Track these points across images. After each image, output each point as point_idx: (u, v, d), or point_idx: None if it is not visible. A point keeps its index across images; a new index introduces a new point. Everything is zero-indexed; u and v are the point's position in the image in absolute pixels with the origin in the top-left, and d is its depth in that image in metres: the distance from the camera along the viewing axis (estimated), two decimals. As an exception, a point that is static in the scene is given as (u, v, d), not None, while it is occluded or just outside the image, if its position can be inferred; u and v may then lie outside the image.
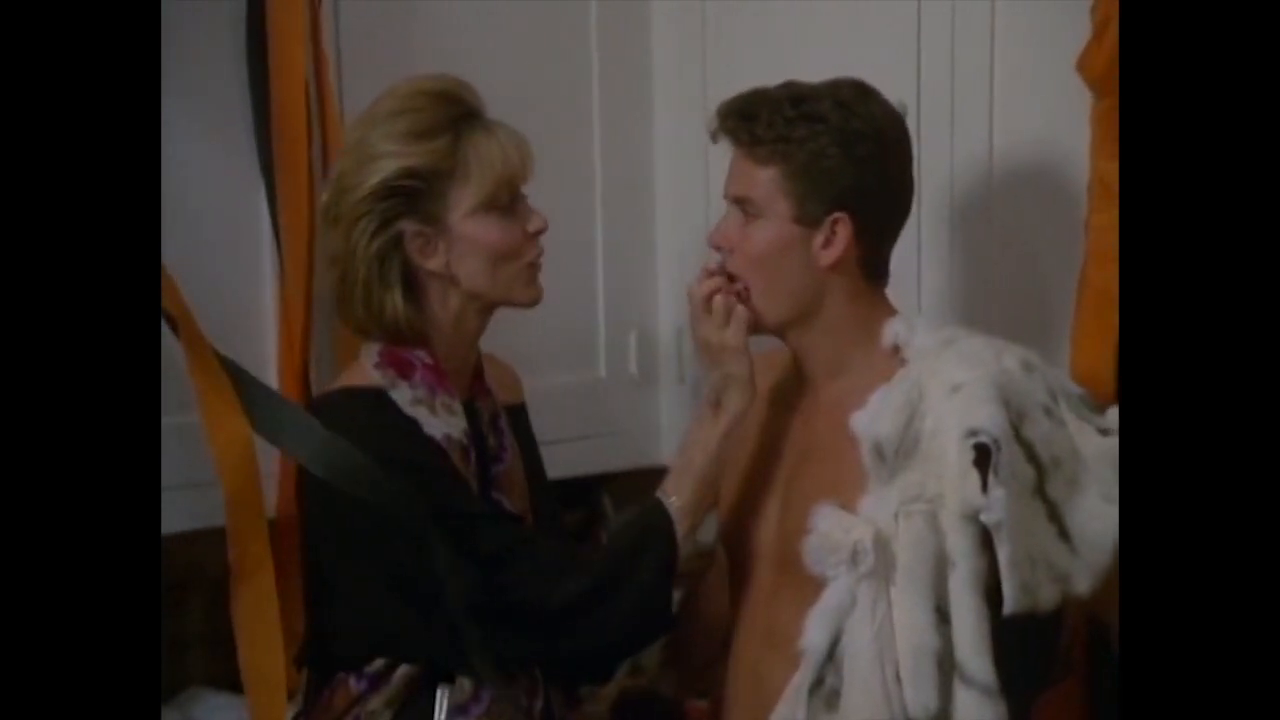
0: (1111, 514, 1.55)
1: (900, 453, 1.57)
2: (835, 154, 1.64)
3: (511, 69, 2.13)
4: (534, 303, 1.74)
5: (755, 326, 1.69)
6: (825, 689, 1.56)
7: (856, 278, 1.69)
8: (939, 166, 2.02)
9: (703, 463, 1.68)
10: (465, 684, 1.62)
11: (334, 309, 1.75)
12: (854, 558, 1.54)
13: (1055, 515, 1.56)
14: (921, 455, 1.57)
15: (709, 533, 1.85)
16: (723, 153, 1.72)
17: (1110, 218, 1.79)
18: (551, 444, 1.89)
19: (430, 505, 1.58)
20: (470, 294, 1.70)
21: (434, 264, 1.68)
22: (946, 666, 1.53)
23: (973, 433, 1.54)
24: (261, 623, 1.75)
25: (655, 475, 1.72)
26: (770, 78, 1.71)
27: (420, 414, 1.66)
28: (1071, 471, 1.58)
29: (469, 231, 1.68)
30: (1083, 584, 1.55)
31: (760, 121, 1.66)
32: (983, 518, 1.52)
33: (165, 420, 1.40)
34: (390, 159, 1.65)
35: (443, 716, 1.61)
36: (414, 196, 1.66)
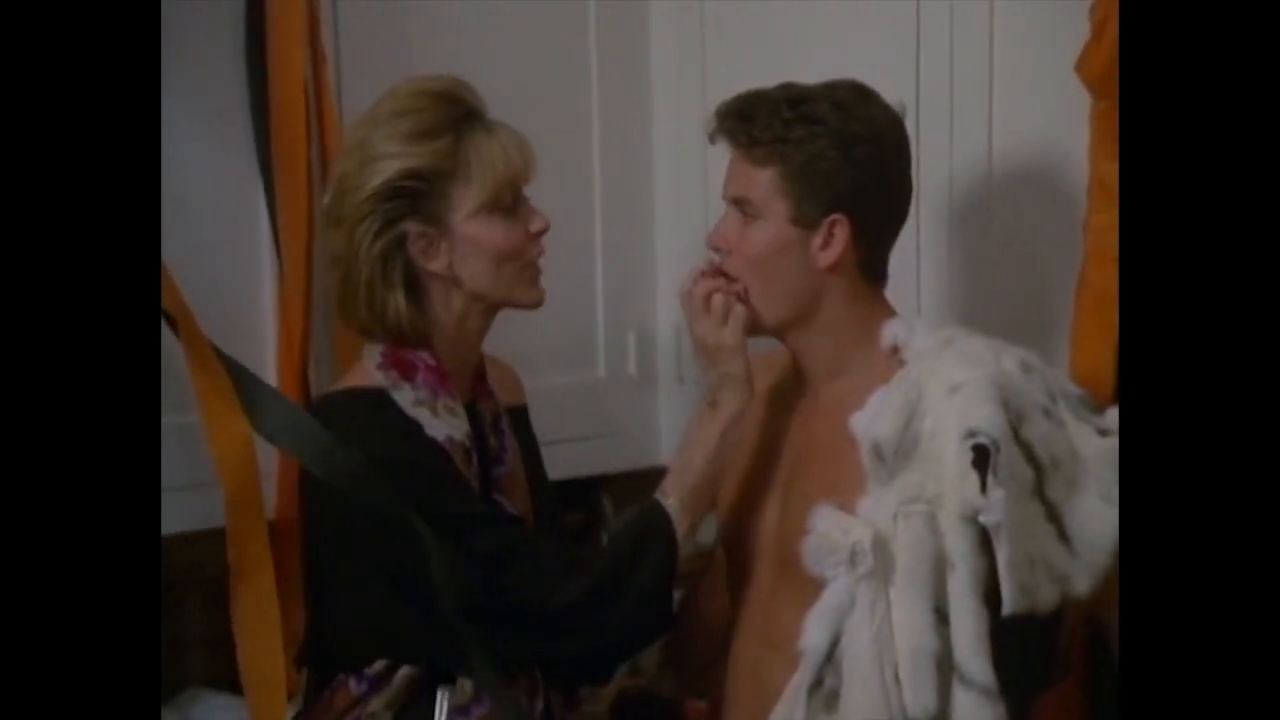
0: (1111, 515, 1.55)
1: (899, 454, 1.57)
2: (833, 156, 1.64)
3: (511, 69, 2.13)
4: (536, 304, 1.74)
5: (754, 328, 1.69)
6: (824, 690, 1.56)
7: (855, 279, 1.69)
8: (938, 167, 2.02)
9: (701, 462, 1.68)
10: (466, 685, 1.62)
11: (335, 309, 1.75)
12: (853, 558, 1.54)
13: (1054, 516, 1.56)
14: (920, 456, 1.57)
15: (709, 533, 1.85)
16: (722, 154, 1.72)
17: (1109, 218, 1.79)
18: (551, 444, 1.89)
19: (431, 507, 1.58)
20: (473, 295, 1.70)
21: (437, 265, 1.68)
22: (945, 667, 1.52)
23: (972, 434, 1.54)
24: (261, 623, 1.74)
25: (655, 475, 1.72)
26: (769, 78, 1.70)
27: (422, 415, 1.65)
28: (1070, 472, 1.58)
29: (471, 232, 1.68)
30: (1082, 585, 1.55)
31: (758, 123, 1.66)
32: (982, 519, 1.52)
33: (165, 420, 1.40)
34: (392, 160, 1.65)
35: (443, 718, 1.61)
36: (416, 197, 1.66)
